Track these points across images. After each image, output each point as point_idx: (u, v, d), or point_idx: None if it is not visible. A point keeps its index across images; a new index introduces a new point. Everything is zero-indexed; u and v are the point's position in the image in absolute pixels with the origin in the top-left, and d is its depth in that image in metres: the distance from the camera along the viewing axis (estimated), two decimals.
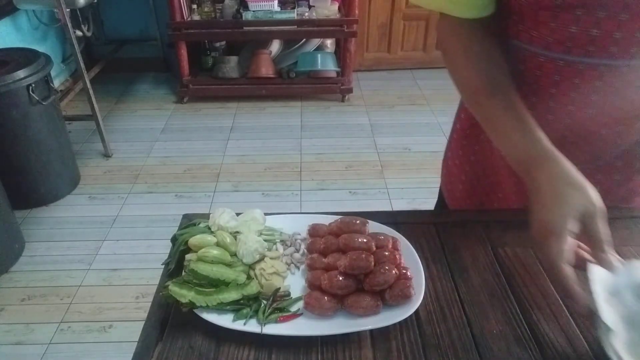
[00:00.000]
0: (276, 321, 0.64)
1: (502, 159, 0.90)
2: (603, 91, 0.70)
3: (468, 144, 0.97)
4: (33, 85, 2.13)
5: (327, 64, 3.30)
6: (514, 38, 0.75)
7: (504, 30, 0.77)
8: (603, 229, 0.61)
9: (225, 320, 0.64)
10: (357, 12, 3.19)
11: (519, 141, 0.69)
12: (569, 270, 0.59)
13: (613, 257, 0.62)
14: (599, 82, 0.70)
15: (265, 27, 3.18)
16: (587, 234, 0.62)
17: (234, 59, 3.31)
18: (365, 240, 0.70)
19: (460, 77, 0.77)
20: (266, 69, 3.27)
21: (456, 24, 0.75)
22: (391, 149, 2.86)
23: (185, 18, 3.17)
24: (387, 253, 0.70)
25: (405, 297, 0.66)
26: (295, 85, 3.33)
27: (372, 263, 0.67)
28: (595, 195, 0.62)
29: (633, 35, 0.64)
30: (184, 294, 0.65)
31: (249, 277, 0.70)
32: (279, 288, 0.68)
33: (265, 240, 0.74)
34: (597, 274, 0.60)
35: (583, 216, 0.61)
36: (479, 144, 0.95)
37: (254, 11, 3.12)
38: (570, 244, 0.60)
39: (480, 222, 0.84)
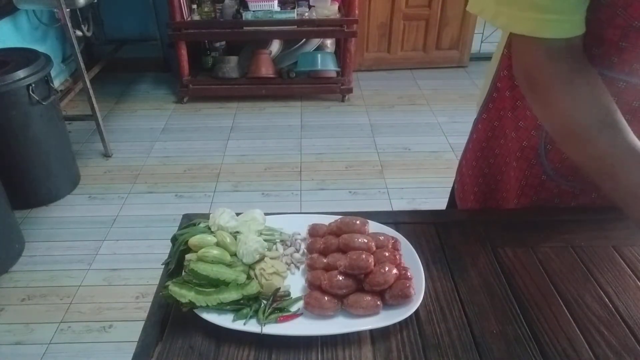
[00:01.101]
0: (276, 321, 0.64)
1: (515, 176, 0.89)
2: None
3: (482, 157, 0.95)
4: (33, 85, 2.13)
5: (327, 64, 3.30)
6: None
7: None
8: None
9: (225, 320, 0.64)
10: (357, 12, 3.19)
11: None
12: None
13: None
14: None
15: (265, 27, 3.17)
16: None
17: (234, 59, 3.31)
18: (365, 240, 0.70)
19: (563, 113, 0.65)
20: (266, 69, 3.27)
21: (546, 50, 0.63)
22: (391, 149, 2.86)
23: (185, 18, 3.17)
24: (387, 253, 0.70)
25: (405, 297, 0.66)
26: (295, 85, 3.33)
27: (372, 263, 0.67)
28: None
29: None
30: (184, 294, 0.65)
31: (249, 277, 0.70)
32: (279, 288, 0.68)
33: (265, 240, 0.74)
34: None
35: None
36: (494, 157, 0.94)
37: (254, 11, 3.12)
38: None
39: (480, 222, 0.84)
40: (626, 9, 0.60)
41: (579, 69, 0.64)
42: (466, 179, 1.01)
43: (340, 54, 3.41)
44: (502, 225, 0.83)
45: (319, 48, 3.43)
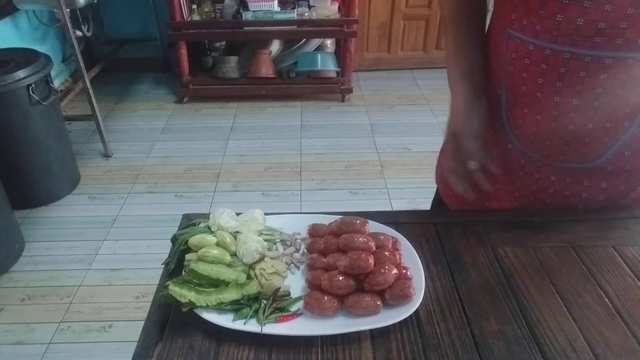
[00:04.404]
0: (276, 321, 0.64)
1: (504, 162, 0.91)
2: (587, 82, 0.71)
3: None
4: (33, 85, 2.13)
5: (327, 64, 3.30)
6: (508, 26, 0.78)
7: (501, 19, 0.80)
8: (468, 145, 0.84)
9: (225, 320, 0.64)
10: (357, 12, 3.19)
11: (454, 68, 0.87)
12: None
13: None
14: (583, 73, 0.70)
15: (265, 27, 3.18)
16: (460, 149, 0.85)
17: (234, 59, 3.31)
18: (365, 240, 0.70)
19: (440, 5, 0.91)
20: (266, 69, 3.27)
21: None
22: (391, 149, 2.86)
23: (185, 18, 3.17)
24: (387, 253, 0.70)
25: (405, 297, 0.66)
26: (295, 85, 3.33)
27: (372, 263, 0.67)
28: (464, 121, 0.84)
29: (617, 26, 0.65)
30: (184, 294, 0.65)
31: (249, 277, 0.70)
32: (279, 288, 0.68)
33: (265, 240, 0.74)
34: None
35: (455, 135, 0.85)
36: None
37: (254, 11, 3.12)
38: (450, 154, 0.88)
39: (480, 222, 0.84)
40: None
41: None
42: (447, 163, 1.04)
43: (340, 54, 3.41)
44: (502, 225, 0.83)
45: (319, 48, 3.43)
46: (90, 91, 2.61)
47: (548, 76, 0.74)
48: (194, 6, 3.26)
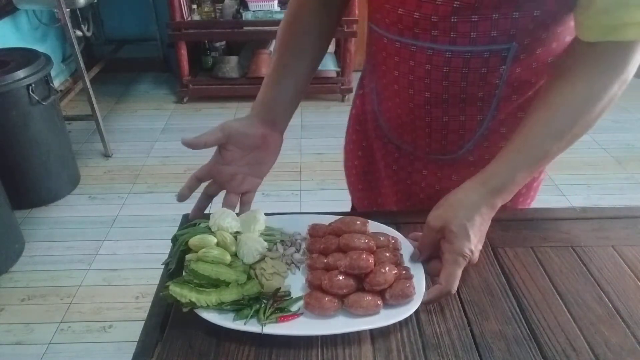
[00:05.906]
0: (276, 321, 0.64)
1: (382, 157, 0.94)
2: (433, 75, 0.72)
3: (361, 130, 0.99)
4: (33, 85, 2.13)
5: (327, 64, 3.30)
6: (369, 21, 0.79)
7: (367, 14, 0.81)
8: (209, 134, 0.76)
9: (225, 320, 0.64)
10: (357, 12, 3.19)
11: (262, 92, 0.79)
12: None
13: None
14: (428, 66, 0.71)
15: (266, 27, 3.17)
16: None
17: (234, 59, 3.31)
18: (365, 240, 0.70)
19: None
20: (266, 69, 3.26)
21: None
22: None
23: (185, 18, 3.17)
24: (387, 253, 0.70)
25: (405, 296, 0.66)
26: None
27: (372, 263, 0.67)
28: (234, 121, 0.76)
29: (449, 20, 0.66)
30: (184, 294, 0.65)
31: (249, 277, 0.70)
32: (279, 288, 0.68)
33: (265, 240, 0.74)
34: None
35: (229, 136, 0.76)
36: (367, 140, 0.97)
37: (254, 11, 3.12)
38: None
39: None
40: None
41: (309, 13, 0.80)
42: (349, 154, 1.04)
43: (340, 54, 3.41)
44: (502, 225, 0.83)
45: None
46: (90, 91, 2.61)
47: (401, 69, 0.75)
48: (194, 6, 3.26)
